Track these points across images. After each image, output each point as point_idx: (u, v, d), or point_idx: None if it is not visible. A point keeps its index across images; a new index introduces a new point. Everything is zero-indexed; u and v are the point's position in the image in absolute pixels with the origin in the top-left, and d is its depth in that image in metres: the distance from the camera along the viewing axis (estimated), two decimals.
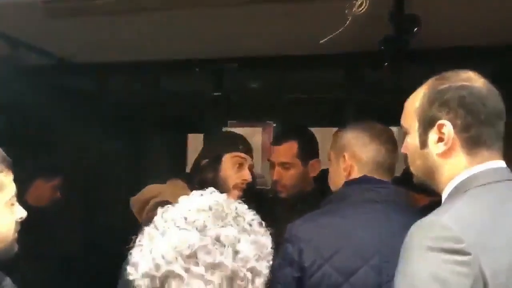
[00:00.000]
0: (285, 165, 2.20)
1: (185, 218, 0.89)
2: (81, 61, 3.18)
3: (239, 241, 0.88)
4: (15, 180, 1.25)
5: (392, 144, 1.65)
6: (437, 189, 1.24)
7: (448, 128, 1.14)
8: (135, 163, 4.11)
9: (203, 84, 3.27)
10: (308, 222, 1.51)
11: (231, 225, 0.90)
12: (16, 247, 1.27)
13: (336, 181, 1.66)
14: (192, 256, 0.85)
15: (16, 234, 1.26)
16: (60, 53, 3.08)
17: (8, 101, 3.24)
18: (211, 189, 1.00)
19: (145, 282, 0.88)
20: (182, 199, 0.97)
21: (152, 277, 0.86)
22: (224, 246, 0.86)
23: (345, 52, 2.85)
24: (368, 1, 1.62)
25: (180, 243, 0.85)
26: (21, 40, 2.81)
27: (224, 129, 3.40)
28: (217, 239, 0.86)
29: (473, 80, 1.17)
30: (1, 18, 2.41)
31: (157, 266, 0.86)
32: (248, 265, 0.87)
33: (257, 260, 0.89)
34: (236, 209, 0.94)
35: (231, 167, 1.88)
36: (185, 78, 3.45)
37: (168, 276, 0.85)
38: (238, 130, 3.48)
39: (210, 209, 0.91)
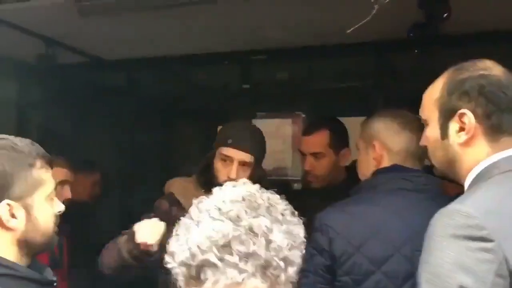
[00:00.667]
0: (317, 155, 2.19)
1: (219, 209, 0.92)
2: (112, 58, 3.25)
3: (271, 231, 0.90)
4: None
5: (422, 132, 1.62)
6: (458, 179, 1.24)
7: (469, 117, 1.14)
8: (167, 156, 4.18)
9: (232, 76, 3.30)
10: (338, 211, 1.51)
11: (264, 215, 0.91)
12: (56, 239, 1.33)
13: (366, 170, 1.64)
14: (226, 246, 0.87)
15: (56, 227, 1.31)
16: (92, 50, 3.16)
17: (44, 99, 3.36)
18: (244, 179, 1.02)
19: (182, 270, 0.91)
20: (216, 190, 1.00)
21: (188, 266, 0.90)
22: (257, 236, 0.88)
23: (374, 40, 2.82)
24: None
25: (215, 233, 0.88)
26: (54, 39, 2.90)
27: (252, 121, 3.42)
28: (250, 229, 0.88)
29: (491, 69, 1.18)
30: (35, 18, 2.49)
31: (193, 255, 0.89)
32: (281, 255, 0.89)
33: (290, 249, 0.91)
34: (268, 199, 0.96)
35: (219, 162, 1.85)
36: (214, 71, 3.48)
37: (203, 265, 0.88)
38: (268, 122, 3.51)
39: (243, 199, 0.93)
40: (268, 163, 3.43)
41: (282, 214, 0.94)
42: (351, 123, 2.56)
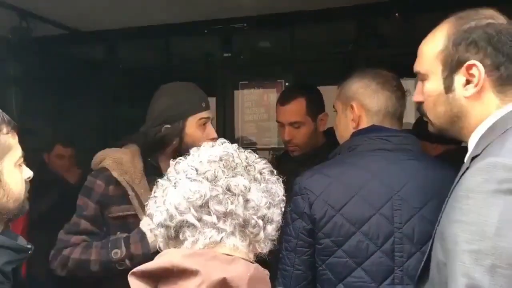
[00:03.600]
0: (295, 124, 2.15)
1: (196, 170, 0.91)
2: (90, 29, 3.18)
3: (249, 190, 0.90)
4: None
5: (402, 91, 1.59)
6: (460, 134, 1.19)
7: (479, 69, 1.08)
8: None
9: (213, 45, 3.26)
10: (317, 174, 1.50)
11: (242, 174, 0.91)
12: (27, 205, 1.32)
13: (344, 132, 1.61)
14: (204, 206, 0.87)
15: (27, 193, 1.31)
16: (69, 22, 3.08)
17: (23, 72, 3.29)
18: (221, 139, 1.01)
19: (161, 231, 0.92)
20: (194, 150, 0.98)
21: (167, 227, 0.90)
22: (235, 195, 0.88)
23: (355, 4, 2.79)
24: None
25: (192, 194, 0.88)
26: (30, 11, 2.82)
27: (235, 91, 3.39)
28: (228, 189, 0.88)
29: (497, 17, 1.11)
30: None
31: (171, 217, 0.89)
32: (259, 213, 0.90)
33: (268, 207, 0.91)
34: (246, 158, 0.95)
35: (196, 129, 1.77)
36: (194, 41, 3.43)
37: (182, 226, 0.89)
38: (251, 91, 3.49)
39: (221, 159, 0.93)
40: (252, 132, 3.44)
41: (260, 173, 0.94)
42: (334, 91, 2.55)
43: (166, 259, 0.84)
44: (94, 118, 3.62)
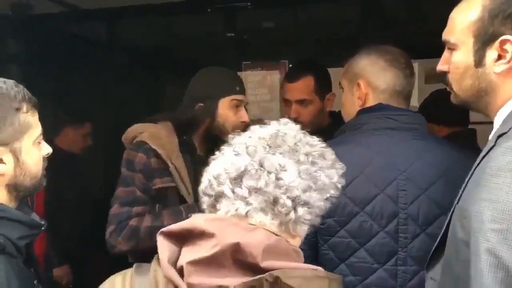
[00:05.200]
0: (303, 102, 2.12)
1: (244, 144, 0.94)
2: (90, 7, 3.14)
3: (284, 169, 0.90)
4: (43, 127, 1.29)
5: (410, 69, 1.55)
6: (485, 110, 1.15)
7: None
8: (153, 107, 4.12)
9: (216, 25, 3.22)
10: None
11: (282, 153, 0.91)
12: (44, 182, 1.32)
13: (350, 110, 1.58)
14: (238, 179, 0.90)
15: (44, 171, 1.30)
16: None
17: (22, 49, 3.25)
18: (285, 119, 1.02)
19: (204, 199, 0.96)
20: (256, 127, 1.00)
21: (208, 195, 0.95)
22: (267, 172, 0.89)
23: None
24: None
25: (230, 166, 0.91)
26: None
27: (239, 72, 3.36)
28: (261, 165, 0.90)
29: None
30: None
31: (211, 186, 0.93)
32: (291, 194, 0.89)
33: (304, 190, 0.90)
34: (299, 140, 0.95)
35: (228, 110, 1.82)
36: (197, 20, 3.38)
37: (219, 196, 0.92)
38: (254, 72, 3.45)
39: (270, 136, 0.94)
40: (255, 113, 3.40)
41: (306, 155, 0.93)
42: (339, 73, 2.52)
43: (190, 221, 0.90)
44: (94, 97, 3.59)
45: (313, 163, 0.93)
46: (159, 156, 1.77)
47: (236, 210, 0.90)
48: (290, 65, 3.44)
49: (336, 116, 2.20)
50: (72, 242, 3.01)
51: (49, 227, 1.33)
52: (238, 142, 0.97)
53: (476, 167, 1.08)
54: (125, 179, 1.78)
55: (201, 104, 1.82)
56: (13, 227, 1.19)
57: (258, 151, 0.91)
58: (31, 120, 1.24)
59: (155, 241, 1.69)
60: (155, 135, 1.81)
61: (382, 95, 1.52)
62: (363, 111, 1.53)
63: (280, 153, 0.92)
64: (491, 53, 1.09)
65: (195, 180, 1.80)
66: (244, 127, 1.86)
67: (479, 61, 1.11)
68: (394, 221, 1.42)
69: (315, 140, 0.98)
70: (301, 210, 0.90)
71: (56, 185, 2.51)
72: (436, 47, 1.28)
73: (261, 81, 3.32)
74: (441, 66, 1.21)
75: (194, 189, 1.79)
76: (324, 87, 2.16)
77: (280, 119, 1.02)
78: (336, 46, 3.52)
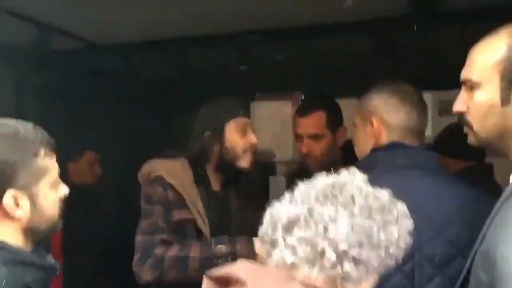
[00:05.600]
0: (314, 137, 2.13)
1: (301, 192, 0.94)
2: (107, 43, 3.22)
3: (334, 222, 0.87)
4: (58, 160, 1.30)
5: (423, 106, 1.57)
6: (507, 149, 1.15)
7: None
8: (167, 139, 4.17)
9: (229, 58, 3.27)
10: None
11: (333, 204, 0.89)
12: (60, 224, 1.33)
13: (363, 148, 1.59)
14: (289, 227, 0.89)
15: (60, 212, 1.32)
16: (87, 35, 3.12)
17: (40, 85, 3.33)
18: (352, 169, 1.01)
19: (262, 244, 0.96)
20: (319, 175, 0.99)
21: (265, 242, 0.94)
22: (316, 223, 0.88)
23: (372, 18, 2.78)
24: None
25: (283, 214, 0.91)
26: (50, 24, 2.86)
27: (251, 103, 3.40)
28: (311, 214, 0.89)
29: None
30: (29, 3, 2.46)
31: (267, 231, 0.93)
32: (336, 247, 0.86)
33: (354, 245, 0.86)
34: (358, 191, 0.92)
35: (235, 134, 1.85)
36: (211, 53, 3.44)
37: (273, 243, 0.92)
38: (267, 103, 3.49)
39: (327, 187, 0.93)
40: (267, 146, 3.43)
41: (364, 208, 0.90)
42: (350, 104, 2.53)
43: (231, 267, 0.91)
44: (112, 129, 3.64)
45: (369, 217, 0.89)
46: (176, 190, 1.80)
47: (284, 259, 0.88)
48: (303, 96, 3.48)
49: (348, 150, 2.21)
50: (90, 278, 2.99)
51: (66, 266, 1.34)
52: (297, 189, 0.96)
53: (500, 208, 1.06)
54: (146, 212, 1.81)
55: (209, 132, 1.86)
56: (28, 271, 1.19)
57: (311, 201, 0.90)
58: (49, 164, 1.25)
59: (180, 273, 1.71)
60: (170, 170, 1.85)
61: (395, 132, 1.53)
62: (377, 149, 1.54)
63: (333, 204, 0.89)
64: None
65: (209, 213, 1.83)
66: (254, 149, 1.90)
67: (506, 99, 1.11)
68: (409, 262, 1.41)
69: (382, 192, 0.95)
70: (348, 266, 0.86)
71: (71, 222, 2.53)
72: (449, 79, 1.29)
73: (274, 114, 3.36)
74: (459, 106, 1.21)
75: (209, 221, 1.82)
76: (335, 121, 2.17)
77: (350, 168, 1.01)
78: (348, 78, 3.56)
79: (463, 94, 1.20)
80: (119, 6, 2.52)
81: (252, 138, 1.88)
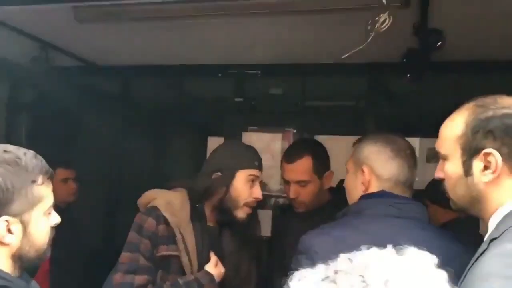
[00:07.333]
0: (301, 183, 2.14)
1: (336, 272, 0.80)
2: (107, 64, 3.25)
3: None
4: None
5: (414, 160, 1.61)
6: (480, 215, 1.22)
7: (495, 157, 1.12)
8: (156, 163, 4.18)
9: (226, 89, 3.32)
10: (323, 235, 1.50)
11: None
12: (49, 252, 1.32)
13: (353, 193, 1.62)
14: None
15: (50, 240, 1.31)
16: (87, 56, 3.16)
17: (36, 101, 3.34)
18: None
19: None
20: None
21: None
22: None
23: (368, 62, 2.86)
24: (391, 18, 1.62)
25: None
26: (50, 43, 2.89)
27: (243, 134, 3.43)
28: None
29: None
30: (34, 21, 2.49)
31: None
32: None
33: None
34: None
35: (243, 184, 1.85)
36: (208, 83, 3.49)
37: None
38: (259, 136, 3.52)
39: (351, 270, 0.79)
40: None
41: None
42: (342, 142, 2.58)
43: None
44: (101, 150, 3.64)
45: None
46: (169, 224, 1.79)
47: None
48: (294, 131, 3.52)
49: (335, 192, 2.24)
50: None
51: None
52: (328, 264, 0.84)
53: (469, 269, 1.11)
54: (132, 243, 1.81)
55: (219, 174, 1.85)
56: None
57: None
58: (45, 192, 1.25)
59: None
60: (168, 202, 1.84)
61: (386, 183, 1.56)
62: (366, 196, 1.57)
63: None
64: (478, 164, 1.16)
65: (202, 250, 1.83)
66: (255, 204, 1.90)
67: (467, 171, 1.19)
68: None
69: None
70: None
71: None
72: (438, 126, 1.34)
73: (265, 147, 3.39)
74: (438, 173, 1.30)
75: (199, 257, 1.82)
76: (322, 166, 2.18)
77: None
78: (342, 116, 3.62)
79: (440, 163, 1.29)
80: (120, 30, 2.56)
81: (258, 192, 1.87)
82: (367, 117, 3.23)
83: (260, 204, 2.04)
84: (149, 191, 1.91)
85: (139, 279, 1.75)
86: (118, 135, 3.67)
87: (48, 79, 3.18)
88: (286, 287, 0.83)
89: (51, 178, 1.28)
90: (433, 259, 0.83)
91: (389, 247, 0.85)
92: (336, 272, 0.82)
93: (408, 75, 2.69)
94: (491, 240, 1.09)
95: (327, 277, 0.80)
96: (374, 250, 0.85)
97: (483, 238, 1.17)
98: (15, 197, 1.19)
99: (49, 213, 1.30)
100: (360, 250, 0.88)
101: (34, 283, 1.30)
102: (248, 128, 3.40)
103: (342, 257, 0.86)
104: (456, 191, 1.23)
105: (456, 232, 1.63)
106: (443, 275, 0.82)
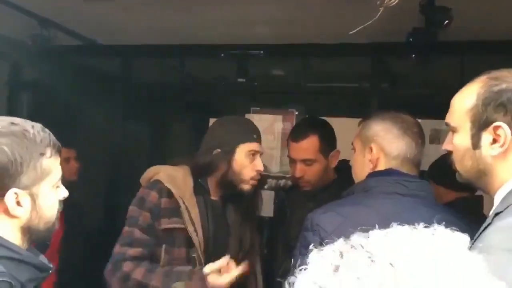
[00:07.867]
0: (307, 161, 2.12)
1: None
2: (109, 43, 3.22)
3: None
4: None
5: (422, 138, 1.60)
6: (486, 189, 1.21)
7: (505, 131, 1.11)
8: (157, 144, 4.16)
9: (228, 69, 3.29)
10: (330, 212, 1.50)
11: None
12: (57, 224, 1.32)
13: (360, 172, 1.60)
14: None
15: (58, 214, 1.31)
16: (89, 34, 3.13)
17: (37, 79, 3.32)
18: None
19: None
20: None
21: None
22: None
23: (373, 42, 2.84)
24: None
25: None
26: (52, 20, 2.86)
27: (245, 115, 3.42)
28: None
29: None
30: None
31: None
32: None
33: None
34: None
35: (245, 158, 1.84)
36: (210, 63, 3.46)
37: None
38: (262, 117, 3.51)
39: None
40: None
41: None
42: (345, 124, 2.56)
43: None
44: (102, 130, 3.62)
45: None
46: (172, 196, 1.80)
47: None
48: (296, 113, 3.51)
49: (341, 171, 2.22)
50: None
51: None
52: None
53: (473, 243, 1.10)
54: (131, 217, 1.82)
55: (219, 150, 1.85)
56: (23, 269, 1.19)
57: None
58: (53, 165, 1.25)
59: None
60: (170, 176, 1.85)
61: (394, 161, 1.55)
62: (374, 174, 1.56)
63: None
64: (487, 137, 1.15)
65: (205, 221, 1.84)
66: (259, 175, 1.90)
67: (476, 144, 1.18)
68: None
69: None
70: None
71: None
72: (442, 108, 1.33)
73: (268, 128, 3.37)
74: (446, 146, 1.29)
75: (204, 230, 1.83)
76: (328, 145, 2.16)
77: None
78: (344, 97, 3.60)
79: (449, 135, 1.28)
80: (123, 10, 2.53)
81: (259, 164, 1.87)
82: (370, 98, 3.20)
83: (261, 184, 2.03)
84: (152, 167, 1.92)
85: (133, 251, 1.77)
86: (119, 116, 3.65)
87: (49, 57, 3.16)
88: (305, 258, 0.78)
89: (59, 151, 1.27)
90: (463, 238, 0.74)
91: (421, 225, 0.75)
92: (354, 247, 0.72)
93: (413, 55, 2.68)
94: (496, 215, 1.09)
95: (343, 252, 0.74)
96: (405, 228, 0.73)
97: (485, 217, 1.17)
98: (24, 170, 1.18)
99: (57, 187, 1.29)
100: (391, 226, 0.74)
101: (42, 257, 1.30)
102: (251, 109, 3.38)
103: (361, 234, 0.77)
104: (463, 163, 1.22)
105: (459, 213, 1.62)
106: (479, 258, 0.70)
